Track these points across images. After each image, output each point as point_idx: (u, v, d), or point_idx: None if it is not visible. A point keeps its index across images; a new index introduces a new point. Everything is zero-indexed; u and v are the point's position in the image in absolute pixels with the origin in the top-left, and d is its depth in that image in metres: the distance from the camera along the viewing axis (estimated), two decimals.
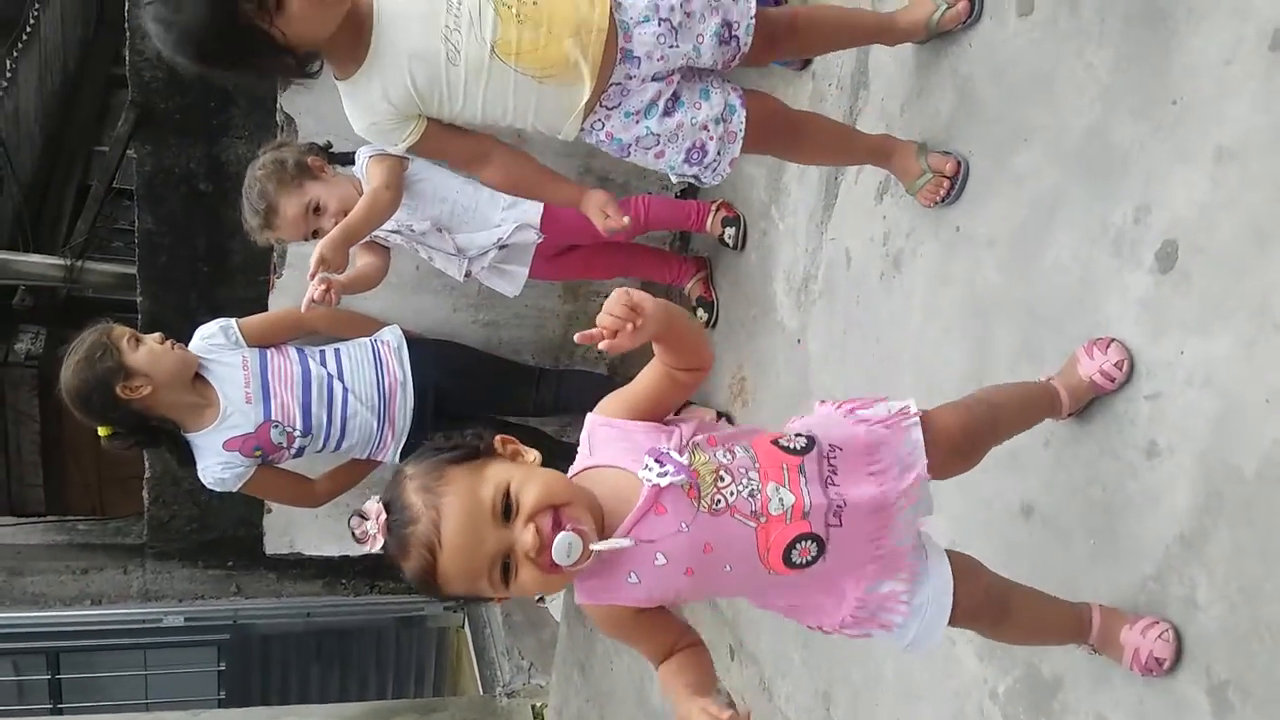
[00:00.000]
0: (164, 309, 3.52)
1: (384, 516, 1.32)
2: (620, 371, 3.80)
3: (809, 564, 1.44)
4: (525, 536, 1.31)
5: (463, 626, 5.97)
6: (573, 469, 1.48)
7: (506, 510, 1.33)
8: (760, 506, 1.42)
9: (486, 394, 3.47)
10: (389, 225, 3.04)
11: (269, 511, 3.91)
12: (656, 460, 1.38)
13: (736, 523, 1.41)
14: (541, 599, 5.60)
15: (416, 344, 3.41)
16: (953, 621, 1.59)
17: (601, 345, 1.35)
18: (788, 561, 1.43)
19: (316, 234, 2.93)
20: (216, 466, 3.18)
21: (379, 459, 3.40)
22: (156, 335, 3.05)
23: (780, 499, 1.42)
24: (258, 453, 3.23)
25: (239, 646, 5.60)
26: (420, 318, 3.53)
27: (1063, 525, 1.92)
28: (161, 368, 3.02)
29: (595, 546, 1.35)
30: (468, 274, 3.21)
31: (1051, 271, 1.97)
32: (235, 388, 3.14)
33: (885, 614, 1.54)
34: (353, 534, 1.35)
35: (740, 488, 1.42)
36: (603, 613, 1.49)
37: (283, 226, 2.98)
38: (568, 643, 4.23)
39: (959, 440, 1.63)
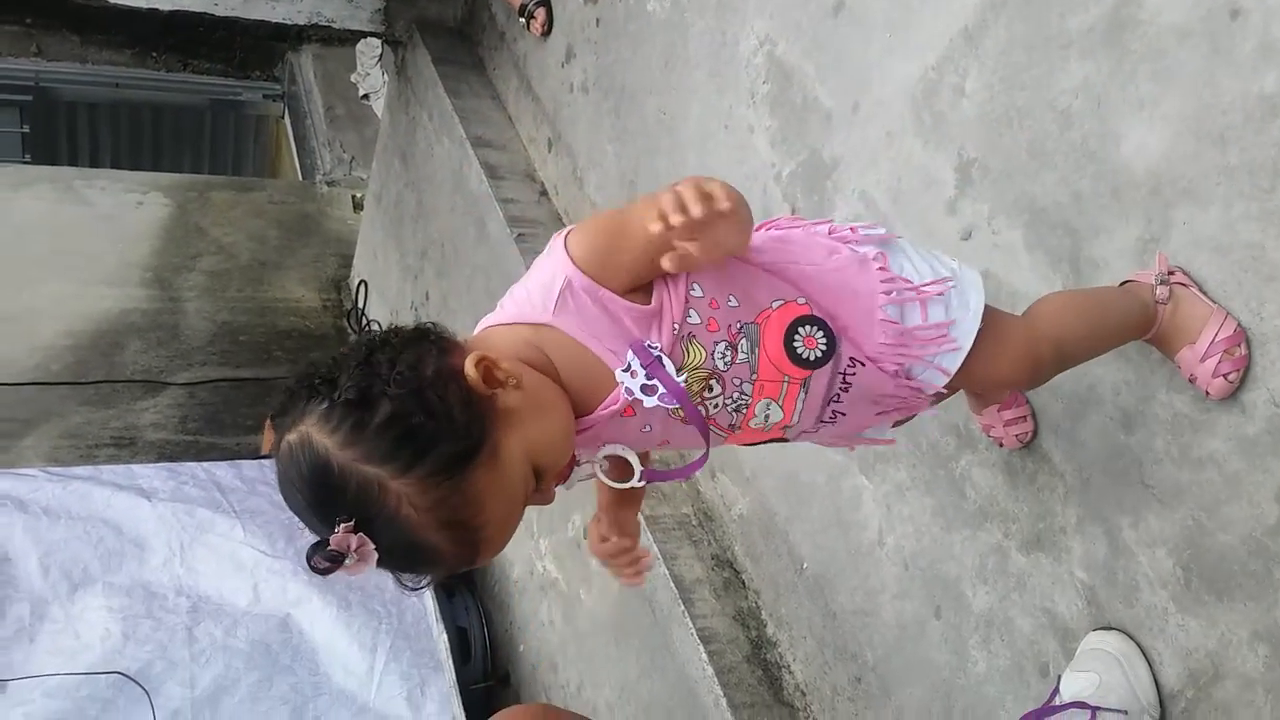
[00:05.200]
0: None
1: (370, 550, 0.99)
2: None
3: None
4: (550, 497, 1.12)
5: (283, 117, 5.91)
6: (516, 310, 1.13)
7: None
8: (741, 421, 1.21)
9: None
10: None
11: None
12: (644, 368, 1.10)
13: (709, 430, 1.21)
14: (366, 96, 5.56)
15: None
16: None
17: (665, 263, 1.01)
18: (746, 444, 1.29)
19: None
20: None
21: None
22: None
23: (767, 415, 1.21)
24: None
25: (44, 110, 5.42)
26: None
27: (868, 19, 2.04)
28: None
29: (617, 485, 1.19)
30: None
31: None
32: None
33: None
34: (312, 563, 0.98)
35: (727, 401, 1.18)
36: None
37: None
38: (390, 131, 4.28)
39: (1007, 385, 1.44)
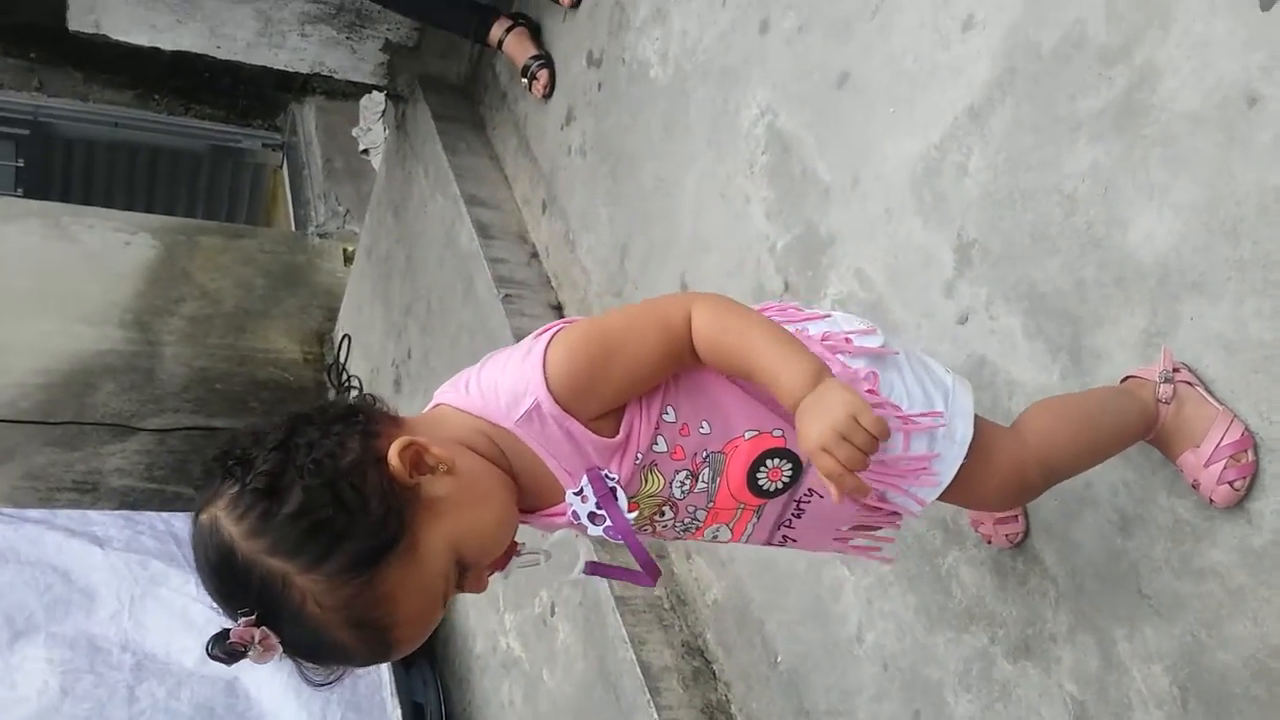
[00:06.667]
0: None
1: (275, 643, 0.92)
2: None
3: None
4: (480, 587, 1.05)
5: (281, 167, 5.88)
6: (482, 404, 1.06)
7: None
8: (688, 538, 1.20)
9: None
10: None
11: None
12: (596, 498, 1.05)
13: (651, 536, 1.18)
14: (366, 151, 5.53)
15: None
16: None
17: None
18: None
19: None
20: None
21: None
22: None
23: (715, 535, 1.19)
24: None
25: (40, 145, 5.38)
26: None
27: (871, 93, 1.99)
28: None
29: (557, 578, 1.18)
30: None
31: None
32: None
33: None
34: (212, 653, 0.92)
35: (676, 523, 1.15)
36: None
37: None
38: (385, 185, 4.23)
39: (992, 507, 1.48)
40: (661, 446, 1.08)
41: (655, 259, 2.67)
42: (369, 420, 1.00)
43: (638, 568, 1.14)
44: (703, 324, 1.05)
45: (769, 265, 2.24)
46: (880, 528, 1.26)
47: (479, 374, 1.08)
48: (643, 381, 1.06)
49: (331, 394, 4.61)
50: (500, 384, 1.05)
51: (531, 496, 1.08)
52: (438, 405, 1.10)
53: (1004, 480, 1.25)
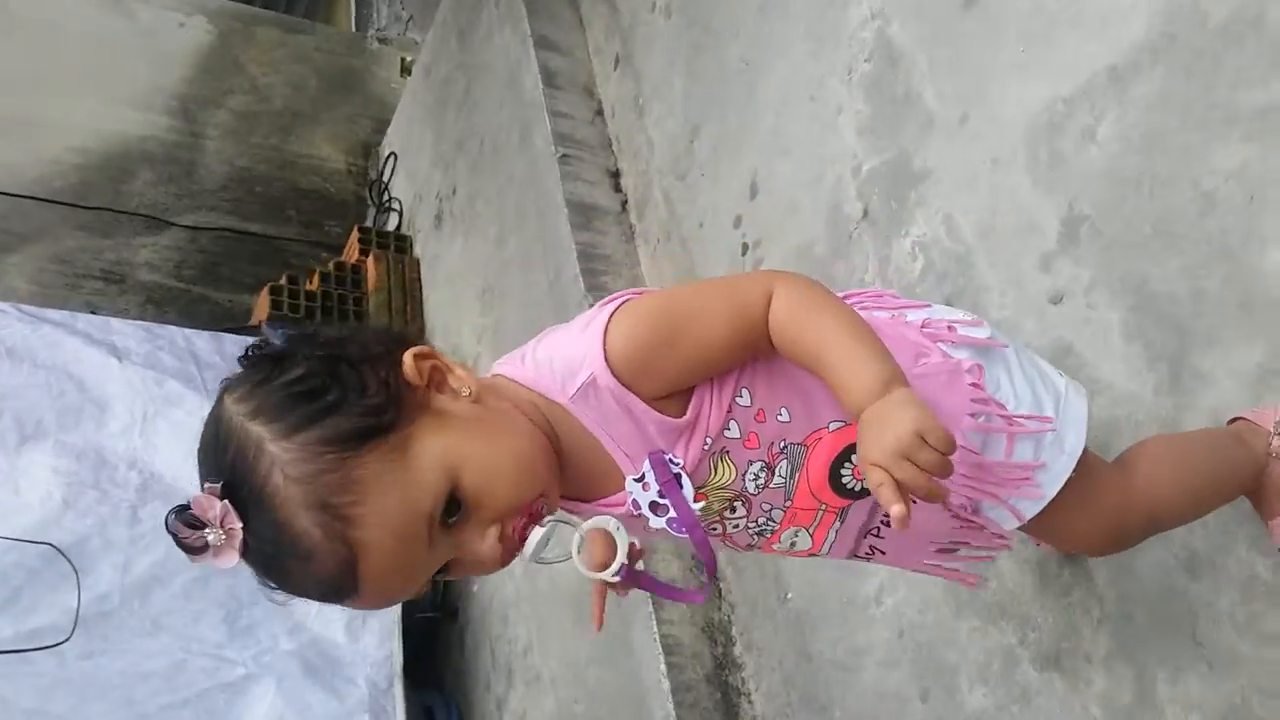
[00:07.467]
0: None
1: (237, 528, 0.84)
2: None
3: None
4: (483, 548, 0.90)
5: None
6: (536, 376, 0.97)
7: (451, 508, 0.88)
8: (762, 544, 1.06)
9: None
10: None
11: None
12: (659, 485, 0.94)
13: (722, 543, 1.07)
14: None
15: None
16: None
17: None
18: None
19: None
20: None
21: None
22: None
23: (793, 543, 1.06)
24: None
25: None
26: None
27: (1002, 23, 1.78)
28: None
29: (588, 574, 0.97)
30: None
31: None
32: None
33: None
34: (175, 538, 0.86)
35: (750, 524, 1.03)
36: None
37: None
38: (452, 4, 3.99)
39: (1080, 548, 1.32)
40: (734, 432, 0.97)
41: (728, 149, 2.50)
42: (403, 340, 0.94)
43: (681, 586, 1.05)
44: (780, 312, 0.94)
45: (850, 186, 2.07)
46: (982, 549, 1.13)
47: (536, 347, 0.99)
48: (711, 365, 0.96)
49: (372, 212, 4.48)
50: (556, 356, 0.96)
51: (585, 483, 0.98)
52: (495, 376, 1.01)
53: (1099, 522, 1.13)
